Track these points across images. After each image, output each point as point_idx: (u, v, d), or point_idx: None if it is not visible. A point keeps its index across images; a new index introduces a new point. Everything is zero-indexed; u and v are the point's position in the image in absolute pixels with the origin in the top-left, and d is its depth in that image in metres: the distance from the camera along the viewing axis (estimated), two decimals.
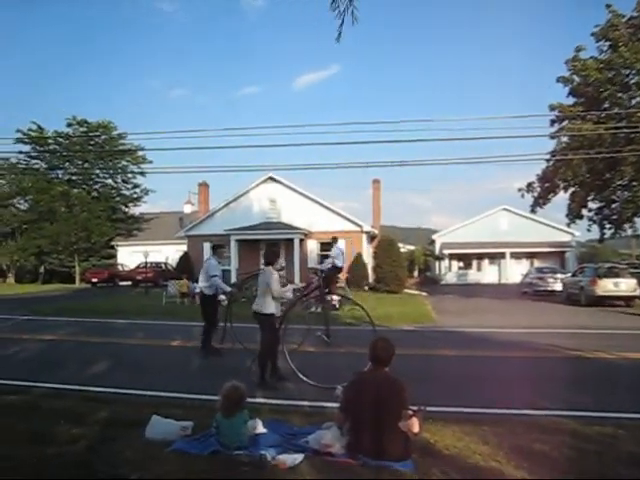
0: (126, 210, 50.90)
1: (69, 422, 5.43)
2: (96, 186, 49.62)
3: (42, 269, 47.86)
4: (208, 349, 10.25)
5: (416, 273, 52.83)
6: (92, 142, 47.15)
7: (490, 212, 47.08)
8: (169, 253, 39.89)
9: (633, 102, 22.86)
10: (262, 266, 8.31)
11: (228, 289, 10.48)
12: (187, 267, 33.07)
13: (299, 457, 4.46)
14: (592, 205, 26.49)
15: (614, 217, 26.03)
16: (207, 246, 34.50)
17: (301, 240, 33.12)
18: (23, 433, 5.12)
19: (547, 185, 26.47)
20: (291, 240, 32.72)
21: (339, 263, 14.97)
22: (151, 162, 45.22)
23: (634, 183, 23.66)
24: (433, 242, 50.47)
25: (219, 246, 11.75)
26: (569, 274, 27.40)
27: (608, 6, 23.63)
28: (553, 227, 43.56)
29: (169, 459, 4.49)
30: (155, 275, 35.12)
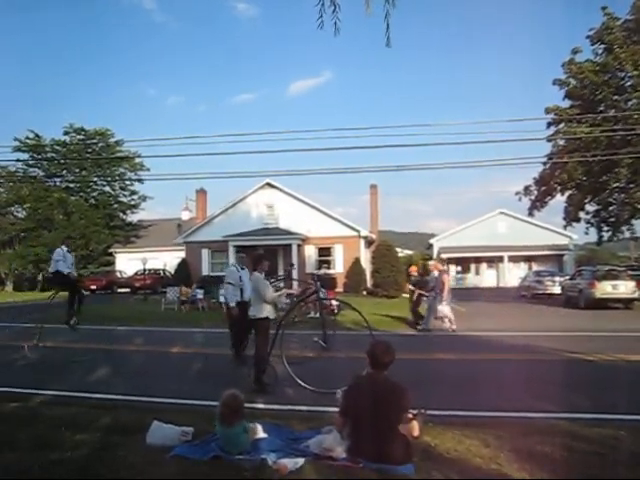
0: (124, 217, 50.86)
1: (71, 429, 5.43)
2: (94, 193, 49.55)
3: (40, 277, 47.65)
4: (241, 357, 9.35)
5: None
6: (89, 149, 47.18)
7: (488, 216, 47.12)
8: (167, 260, 39.77)
9: (629, 104, 22.92)
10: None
11: (233, 304, 9.48)
12: (185, 274, 33.09)
13: (300, 461, 4.46)
14: (589, 208, 26.53)
15: (611, 219, 26.08)
16: (205, 252, 34.62)
17: (299, 246, 33.11)
18: (25, 440, 5.11)
19: (544, 188, 26.52)
20: (289, 245, 32.70)
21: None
22: (148, 170, 45.26)
23: (631, 185, 23.71)
24: (431, 246, 50.48)
25: (239, 251, 11.02)
26: (567, 277, 27.39)
27: (604, 8, 23.75)
28: (551, 230, 43.57)
29: (170, 464, 4.50)
30: (153, 282, 35.05)
